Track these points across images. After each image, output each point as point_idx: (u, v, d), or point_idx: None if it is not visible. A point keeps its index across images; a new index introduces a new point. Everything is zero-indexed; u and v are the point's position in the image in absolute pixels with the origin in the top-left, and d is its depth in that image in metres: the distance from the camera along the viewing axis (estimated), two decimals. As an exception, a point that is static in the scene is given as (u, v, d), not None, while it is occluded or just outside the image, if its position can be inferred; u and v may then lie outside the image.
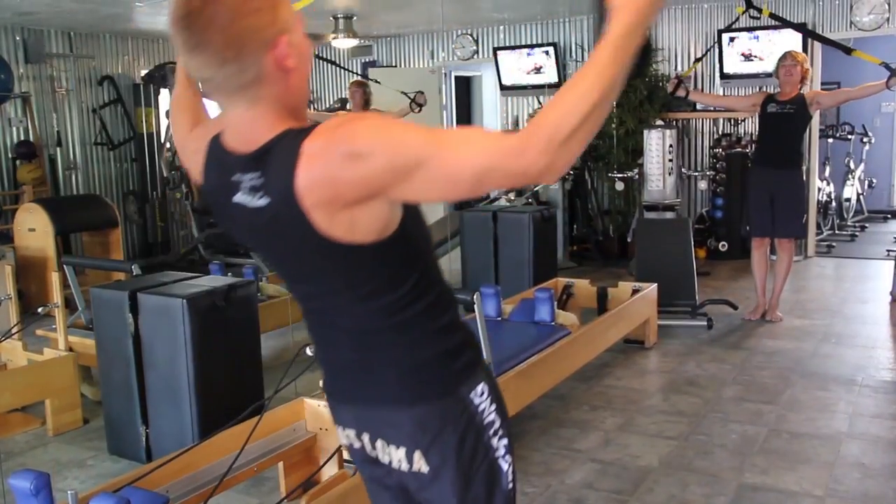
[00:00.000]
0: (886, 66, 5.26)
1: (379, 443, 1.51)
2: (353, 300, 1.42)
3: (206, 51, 1.27)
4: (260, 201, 1.33)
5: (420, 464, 1.48)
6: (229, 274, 5.40)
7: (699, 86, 8.54)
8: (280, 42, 1.29)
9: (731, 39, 7.95)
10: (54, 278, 4.37)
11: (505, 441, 1.54)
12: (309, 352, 3.20)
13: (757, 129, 5.94)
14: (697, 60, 6.33)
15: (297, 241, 1.35)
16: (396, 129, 1.25)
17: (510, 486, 1.56)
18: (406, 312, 1.42)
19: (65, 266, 4.83)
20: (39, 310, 4.41)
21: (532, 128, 1.20)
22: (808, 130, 7.81)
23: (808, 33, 5.56)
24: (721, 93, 8.31)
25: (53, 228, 6.64)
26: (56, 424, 4.19)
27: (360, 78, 7.21)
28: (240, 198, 1.36)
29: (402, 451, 1.49)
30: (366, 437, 1.53)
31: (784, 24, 5.44)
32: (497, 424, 1.52)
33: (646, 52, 1.30)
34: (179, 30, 1.28)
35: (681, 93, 5.87)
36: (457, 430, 1.47)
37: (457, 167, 1.22)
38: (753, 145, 7.92)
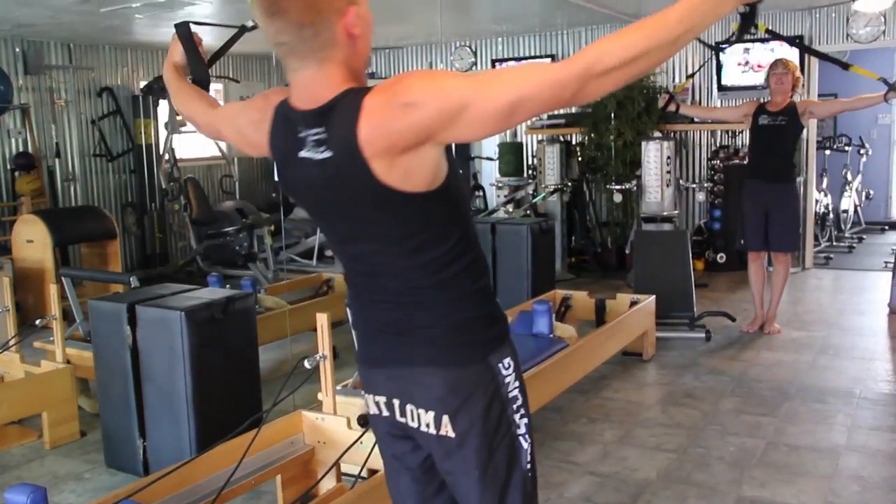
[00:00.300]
0: (885, 81, 5.26)
1: (409, 407, 1.60)
2: (402, 254, 1.53)
3: (285, 16, 1.43)
4: (324, 154, 1.47)
5: (447, 428, 1.57)
6: (227, 286, 5.39)
7: (697, 98, 8.57)
8: (349, 11, 1.46)
9: (722, 50, 7.96)
10: (52, 290, 4.36)
11: (526, 420, 1.64)
12: (307, 364, 3.21)
13: (748, 141, 5.91)
14: (690, 76, 6.34)
15: (358, 190, 1.47)
16: (443, 78, 1.42)
17: (528, 466, 1.65)
18: (450, 269, 1.54)
19: (63, 278, 4.83)
20: (37, 322, 4.40)
21: (576, 56, 1.35)
22: (804, 141, 7.90)
23: (804, 48, 5.55)
24: (719, 104, 8.34)
25: (52, 240, 6.64)
26: (53, 437, 4.18)
27: None
28: (305, 153, 1.50)
29: (430, 415, 1.57)
30: (396, 403, 1.62)
31: (780, 39, 5.45)
32: (520, 402, 1.62)
33: (750, 17, 1.49)
34: None
35: (672, 108, 5.88)
36: (485, 397, 1.56)
37: (495, 102, 1.37)
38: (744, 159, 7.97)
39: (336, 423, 3.29)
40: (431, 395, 1.56)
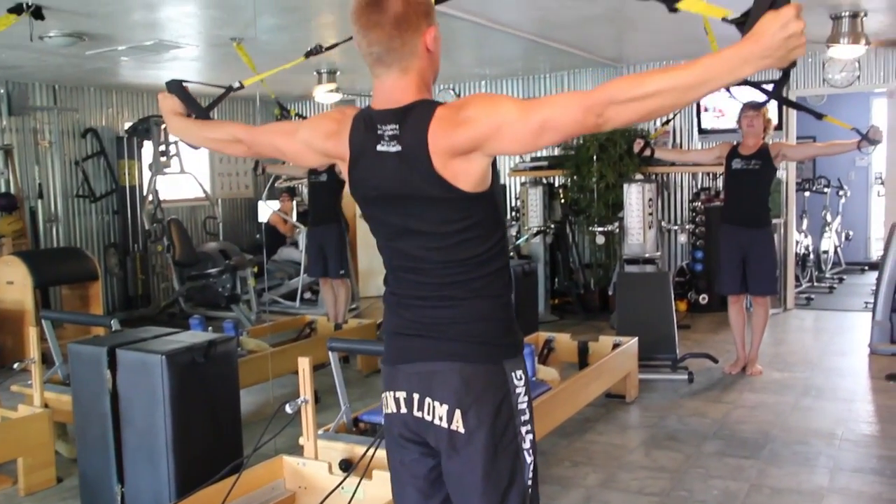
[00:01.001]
0: (857, 131, 5.35)
1: (427, 401, 1.77)
2: (446, 248, 1.76)
3: (380, 29, 1.71)
4: (396, 147, 1.73)
5: (458, 423, 1.73)
6: (210, 328, 5.37)
7: (678, 141, 8.68)
8: (430, 31, 1.76)
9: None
10: (32, 333, 4.33)
11: (531, 437, 1.80)
12: (288, 409, 3.19)
13: (723, 185, 5.96)
14: (666, 122, 6.40)
15: (418, 178, 1.71)
16: (498, 100, 1.68)
17: (530, 483, 1.79)
18: (484, 269, 1.77)
19: (42, 320, 4.79)
20: (15, 365, 4.36)
21: (602, 86, 1.55)
22: (783, 183, 8.00)
23: (780, 99, 5.63)
24: (700, 146, 8.44)
25: (32, 281, 6.60)
26: (28, 483, 4.11)
27: None
28: (381, 147, 1.75)
29: (444, 408, 1.74)
30: (416, 397, 1.79)
31: (754, 86, 5.54)
32: (527, 416, 1.79)
33: (784, 78, 1.45)
34: (361, 13, 1.73)
35: (647, 152, 5.94)
36: (496, 398, 1.74)
37: (529, 122, 1.61)
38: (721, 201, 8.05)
39: (317, 468, 3.26)
40: (448, 388, 1.74)
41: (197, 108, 2.24)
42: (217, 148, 2.24)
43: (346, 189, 7.38)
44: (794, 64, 1.45)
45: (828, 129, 8.58)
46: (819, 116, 4.83)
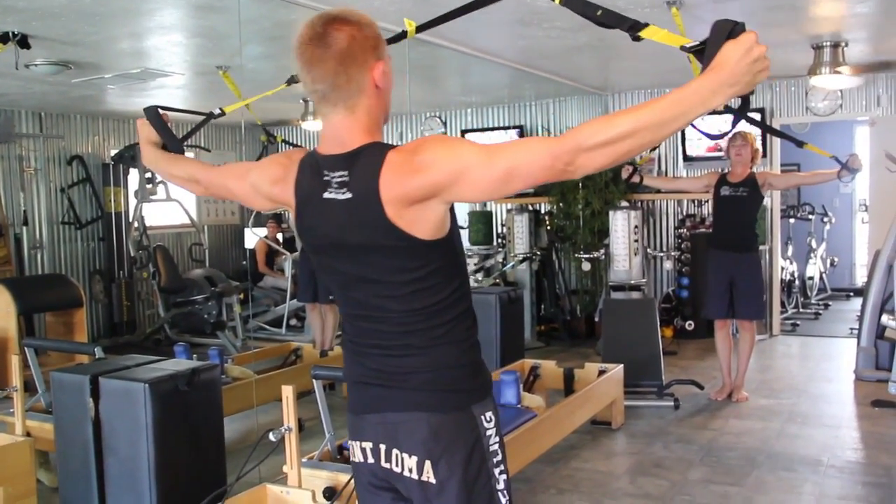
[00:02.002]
0: (836, 160, 5.43)
1: (394, 452, 1.71)
2: (401, 297, 1.68)
3: (324, 65, 1.64)
4: (345, 195, 1.65)
5: (429, 474, 1.67)
6: (195, 355, 5.34)
7: (663, 168, 8.73)
8: (378, 66, 1.67)
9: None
10: (14, 361, 4.29)
11: (505, 477, 1.75)
12: (272, 436, 3.17)
13: (711, 212, 6.04)
14: (652, 150, 6.45)
15: (370, 228, 1.63)
16: (456, 145, 1.60)
17: None
18: (443, 316, 1.69)
19: (25, 348, 4.76)
20: (-4, 393, 4.32)
21: (570, 131, 1.49)
22: (768, 210, 8.05)
23: (762, 126, 5.71)
24: (685, 174, 8.50)
25: (16, 308, 6.55)
26: (10, 513, 4.06)
27: None
28: (328, 194, 1.68)
29: (414, 460, 1.68)
30: (382, 448, 1.73)
31: (736, 114, 5.61)
32: (500, 457, 1.73)
33: (745, 105, 1.56)
34: (304, 49, 1.66)
35: (635, 179, 5.99)
36: (466, 446, 1.68)
37: (493, 169, 1.53)
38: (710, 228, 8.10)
39: (301, 496, 3.24)
40: (416, 439, 1.67)
41: (170, 139, 2.18)
42: (178, 185, 2.18)
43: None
44: (752, 91, 1.45)
45: (812, 156, 8.67)
46: (800, 144, 4.90)
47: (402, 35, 2.29)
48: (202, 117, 2.51)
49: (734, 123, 1.60)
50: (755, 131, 6.37)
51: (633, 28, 1.62)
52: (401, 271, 1.66)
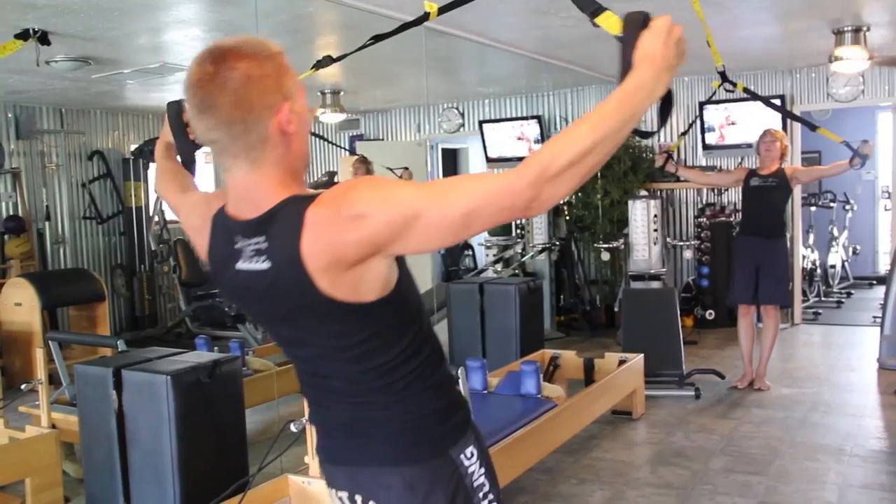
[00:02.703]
0: (848, 145, 5.46)
1: (371, 503, 1.55)
2: (348, 360, 1.47)
3: (216, 113, 1.37)
4: (263, 265, 1.40)
5: None
6: (216, 348, 5.38)
7: (682, 157, 8.67)
8: (283, 108, 1.40)
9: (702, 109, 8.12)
10: (39, 354, 4.34)
11: (494, 501, 1.58)
12: (293, 427, 3.19)
13: (741, 201, 6.07)
14: (683, 134, 6.42)
15: (299, 303, 1.41)
16: (392, 187, 1.35)
17: None
18: (400, 371, 1.48)
19: (49, 341, 4.81)
20: (23, 386, 4.37)
21: (526, 162, 1.28)
22: (790, 202, 7.98)
23: (776, 108, 5.71)
24: (704, 163, 8.46)
25: (40, 303, 6.62)
26: (36, 504, 4.12)
27: (362, 155, 7.39)
28: (242, 264, 1.44)
29: None
30: (358, 499, 1.57)
31: (756, 98, 5.61)
32: (487, 488, 1.57)
33: (668, 105, 1.40)
34: (193, 93, 1.39)
35: (670, 168, 5.98)
36: (447, 490, 1.51)
37: (447, 214, 1.30)
38: (738, 215, 8.07)
39: (323, 486, 3.25)
40: (393, 493, 1.52)
41: (182, 144, 1.94)
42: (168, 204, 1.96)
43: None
44: (670, 92, 1.38)
45: (831, 143, 8.57)
46: (813, 128, 4.95)
47: (425, 17, 2.21)
48: None
49: (661, 116, 1.44)
50: (770, 121, 6.31)
51: (594, 13, 1.45)
52: (342, 336, 1.45)
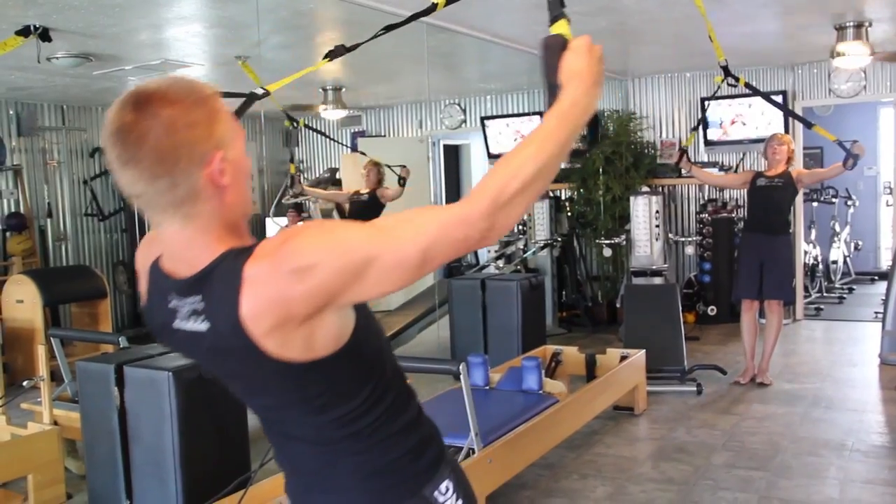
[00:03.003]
0: (841, 145, 5.52)
1: None
2: (306, 412, 1.37)
3: (138, 166, 1.23)
4: (201, 325, 1.28)
5: None
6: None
7: (684, 153, 8.67)
8: (214, 159, 1.26)
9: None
10: (40, 351, 4.35)
11: None
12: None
13: (747, 201, 6.19)
14: (694, 129, 6.36)
15: (246, 365, 1.29)
16: (338, 233, 1.24)
17: None
18: (364, 420, 1.38)
19: (51, 338, 4.81)
20: (25, 383, 4.38)
21: (476, 192, 1.23)
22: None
23: (776, 104, 5.72)
24: (706, 158, 8.47)
25: (41, 300, 6.63)
26: (38, 500, 4.11)
27: (373, 159, 7.41)
28: (180, 323, 1.32)
29: None
30: None
31: (756, 93, 5.63)
32: None
33: (595, 126, 1.41)
34: (112, 144, 1.25)
35: (685, 166, 5.99)
36: None
37: (403, 253, 1.21)
38: (744, 212, 8.06)
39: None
40: None
41: None
42: None
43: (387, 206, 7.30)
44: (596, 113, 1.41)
45: (836, 136, 8.53)
46: (809, 125, 5.02)
47: (432, 8, 2.18)
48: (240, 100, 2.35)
49: (591, 135, 1.45)
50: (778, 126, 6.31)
51: (553, 19, 1.49)
52: (298, 391, 1.34)
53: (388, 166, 7.27)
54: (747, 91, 5.32)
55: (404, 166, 7.33)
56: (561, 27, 1.46)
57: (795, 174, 5.90)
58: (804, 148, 8.40)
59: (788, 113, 5.57)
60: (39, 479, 4.13)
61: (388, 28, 2.26)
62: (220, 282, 1.25)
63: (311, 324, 1.23)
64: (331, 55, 2.25)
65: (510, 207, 1.22)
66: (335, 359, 1.29)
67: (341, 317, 1.28)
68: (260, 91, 1.97)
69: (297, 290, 1.19)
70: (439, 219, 1.22)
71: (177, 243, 1.32)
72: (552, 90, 1.36)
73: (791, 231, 6.19)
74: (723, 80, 5.29)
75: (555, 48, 1.39)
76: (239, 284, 1.21)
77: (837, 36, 6.28)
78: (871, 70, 7.78)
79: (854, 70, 7.70)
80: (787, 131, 7.90)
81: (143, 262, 1.46)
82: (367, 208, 7.23)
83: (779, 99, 7.85)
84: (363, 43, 2.29)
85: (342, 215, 8.60)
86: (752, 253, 5.93)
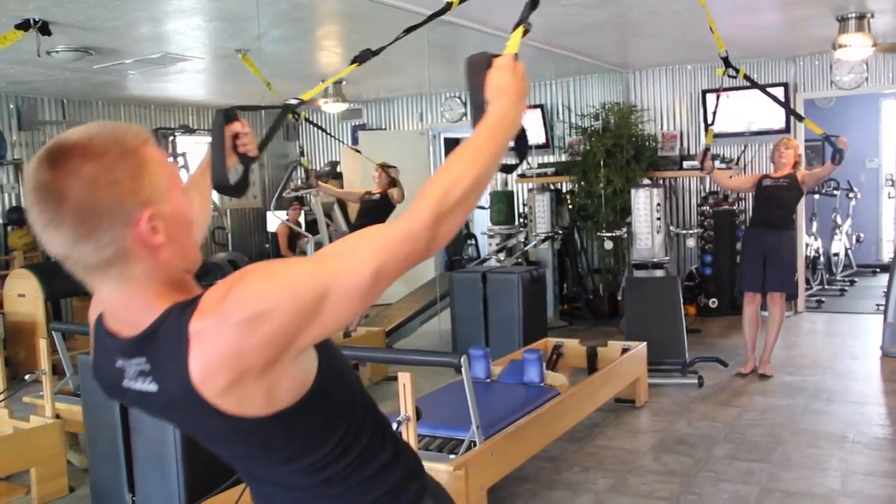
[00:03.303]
0: (827, 139, 5.57)
1: None
2: (273, 462, 1.31)
3: (59, 228, 1.13)
4: (150, 386, 1.19)
5: None
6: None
7: (684, 144, 8.67)
8: (142, 218, 1.15)
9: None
10: (42, 345, 4.35)
11: None
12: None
13: (752, 200, 6.36)
14: (710, 125, 6.18)
15: (203, 424, 1.23)
16: (284, 273, 1.15)
17: None
18: (335, 467, 1.31)
19: (53, 332, 4.82)
20: (27, 377, 4.38)
21: (416, 206, 1.21)
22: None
23: (772, 97, 5.68)
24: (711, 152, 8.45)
25: (43, 294, 6.63)
26: (41, 493, 4.13)
27: (383, 163, 7.42)
28: (129, 383, 1.23)
29: None
30: None
31: (755, 85, 5.62)
32: None
33: (523, 140, 1.45)
34: (31, 205, 1.15)
35: (708, 164, 5.97)
36: None
37: (355, 280, 1.15)
38: (741, 203, 8.09)
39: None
40: None
41: (215, 164, 1.63)
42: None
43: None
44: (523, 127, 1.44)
45: (837, 128, 8.53)
46: (800, 118, 5.34)
47: (447, 8, 2.15)
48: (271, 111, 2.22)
49: (518, 149, 1.49)
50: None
51: (516, 25, 1.56)
52: (258, 446, 1.27)
53: (383, 166, 7.33)
54: (747, 83, 5.30)
55: (394, 167, 7.40)
56: (516, 35, 1.53)
57: (801, 176, 5.99)
58: (806, 141, 8.38)
59: (781, 104, 5.56)
60: (42, 472, 4.15)
61: (409, 30, 2.22)
62: (165, 342, 1.16)
63: (271, 374, 1.15)
64: (358, 60, 2.18)
65: (451, 217, 1.21)
66: (299, 408, 1.21)
67: (303, 360, 1.20)
68: (294, 101, 1.89)
69: (251, 342, 1.10)
70: (384, 239, 1.19)
71: (114, 304, 1.23)
72: (479, 107, 1.39)
73: (794, 228, 6.21)
74: (724, 73, 5.27)
75: (479, 66, 1.42)
76: (186, 343, 1.12)
77: (839, 27, 6.27)
78: (872, 62, 7.76)
79: (856, 62, 7.68)
80: (787, 124, 7.91)
81: (92, 318, 1.38)
82: (377, 207, 7.31)
83: (780, 91, 7.86)
84: (387, 46, 2.24)
85: (344, 212, 8.60)
86: (755, 248, 5.97)
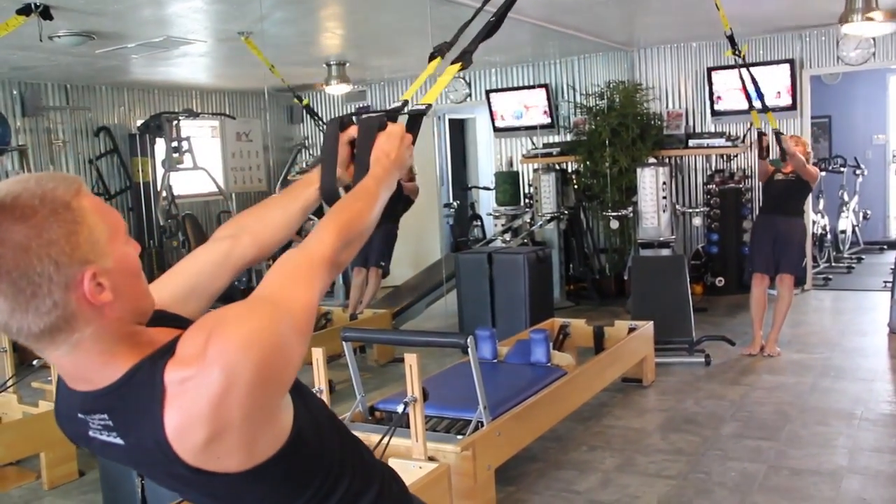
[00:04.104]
0: (777, 134, 5.65)
1: None
2: None
3: None
4: (117, 440, 1.11)
5: None
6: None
7: (689, 123, 8.62)
8: (83, 278, 1.03)
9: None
10: (49, 330, 4.36)
11: None
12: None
13: (763, 189, 6.52)
14: (765, 109, 5.87)
15: (175, 479, 1.15)
16: (255, 312, 1.08)
17: None
18: None
19: (60, 317, 4.82)
20: (35, 362, 4.39)
21: (321, 228, 1.29)
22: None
23: (753, 82, 5.61)
24: (713, 129, 8.42)
25: (50, 280, 6.64)
26: (51, 478, 4.16)
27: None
28: (95, 434, 1.14)
29: None
30: None
31: (745, 66, 5.65)
32: None
33: (399, 196, 1.54)
34: None
35: (762, 155, 6.07)
36: None
37: (305, 305, 1.15)
38: (748, 181, 8.08)
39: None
40: None
41: (325, 173, 1.52)
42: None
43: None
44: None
45: (842, 106, 8.50)
46: (765, 110, 5.63)
47: None
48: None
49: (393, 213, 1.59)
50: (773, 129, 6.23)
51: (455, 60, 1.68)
52: (233, 499, 1.19)
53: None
54: (754, 61, 5.31)
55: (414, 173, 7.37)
56: (451, 70, 1.68)
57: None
58: (812, 118, 8.32)
59: (757, 91, 5.55)
60: (52, 456, 4.17)
61: (463, 27, 2.10)
62: (132, 397, 1.07)
63: (253, 421, 1.07)
64: (434, 56, 2.02)
65: (347, 251, 1.31)
66: (276, 461, 1.13)
67: (282, 408, 1.14)
68: (422, 107, 1.72)
69: (237, 391, 1.02)
70: (309, 263, 1.22)
71: (66, 368, 1.12)
72: (363, 167, 1.48)
73: (804, 216, 6.29)
74: (732, 53, 5.32)
75: (371, 130, 1.50)
76: (161, 396, 1.04)
77: (847, 2, 6.20)
78: (880, 37, 7.68)
79: (863, 37, 7.61)
80: (794, 101, 7.86)
81: None
82: (392, 198, 7.27)
83: (786, 67, 7.83)
84: (452, 44, 2.08)
85: None
86: (766, 232, 6.06)
